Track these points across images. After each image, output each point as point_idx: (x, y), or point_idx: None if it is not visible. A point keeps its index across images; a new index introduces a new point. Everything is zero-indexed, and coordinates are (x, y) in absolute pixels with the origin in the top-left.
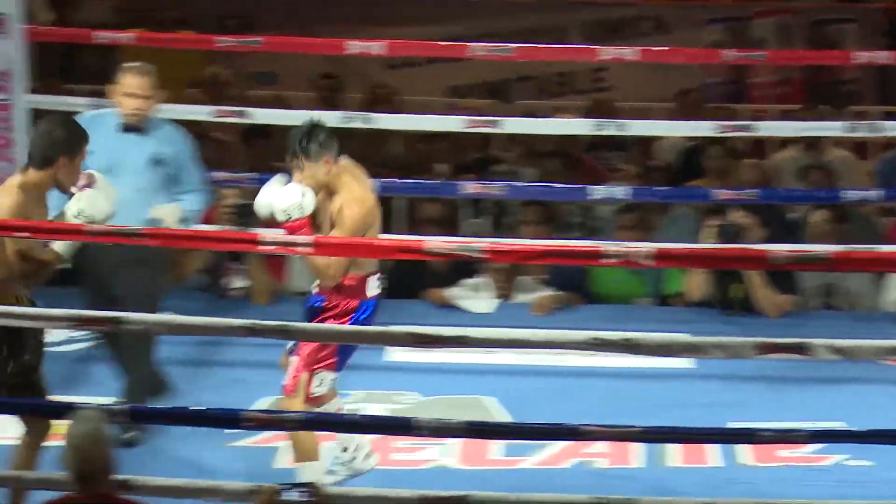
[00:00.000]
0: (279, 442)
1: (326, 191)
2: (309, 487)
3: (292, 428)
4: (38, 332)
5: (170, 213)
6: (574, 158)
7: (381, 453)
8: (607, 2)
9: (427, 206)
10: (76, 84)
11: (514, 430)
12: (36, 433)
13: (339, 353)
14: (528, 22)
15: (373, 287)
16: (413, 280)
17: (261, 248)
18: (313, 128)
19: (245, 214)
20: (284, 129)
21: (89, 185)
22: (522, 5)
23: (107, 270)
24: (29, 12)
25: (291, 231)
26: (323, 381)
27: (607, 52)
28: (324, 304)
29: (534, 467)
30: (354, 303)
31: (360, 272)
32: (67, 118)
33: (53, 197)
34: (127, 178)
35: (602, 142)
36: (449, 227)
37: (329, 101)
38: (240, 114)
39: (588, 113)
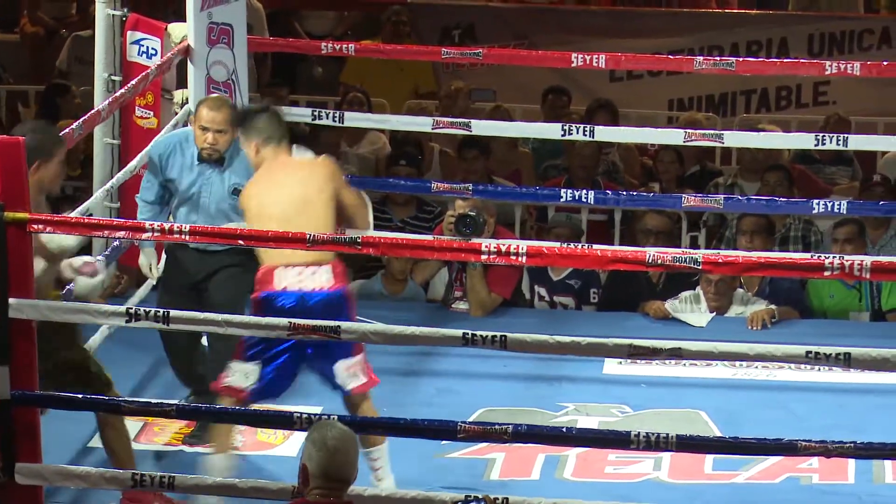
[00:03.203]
0: (490, 454)
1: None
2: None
3: (506, 440)
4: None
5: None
6: (796, 171)
7: (595, 466)
8: (831, 15)
9: (648, 217)
10: (299, 94)
11: (731, 445)
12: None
13: (251, 342)
14: (751, 35)
15: (287, 278)
16: (632, 292)
17: (482, 257)
18: (257, 109)
19: (466, 225)
20: (504, 141)
21: (92, 275)
22: (745, 18)
23: (201, 279)
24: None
25: None
26: (233, 372)
27: (833, 67)
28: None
29: (746, 482)
30: (254, 295)
31: (269, 263)
32: (39, 125)
33: None
34: (209, 208)
35: (823, 156)
36: (667, 239)
37: (555, 114)
38: (463, 125)
39: (817, 127)
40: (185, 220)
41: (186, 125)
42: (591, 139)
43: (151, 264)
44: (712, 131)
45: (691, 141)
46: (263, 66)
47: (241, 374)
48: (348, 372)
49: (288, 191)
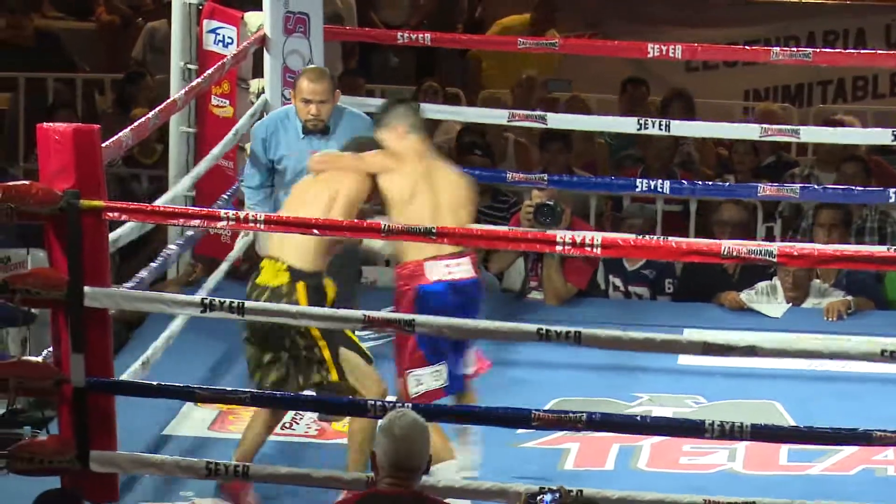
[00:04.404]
0: (565, 444)
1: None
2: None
3: (580, 428)
4: None
5: None
6: (872, 162)
7: (669, 457)
8: None
9: (724, 209)
10: (375, 84)
11: (805, 435)
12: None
13: (423, 345)
14: (828, 25)
15: (438, 271)
16: (707, 282)
17: (557, 248)
18: (393, 101)
19: (544, 214)
20: (580, 133)
21: None
22: (822, 7)
23: None
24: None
25: None
26: (420, 380)
27: None
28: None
29: (821, 473)
30: (407, 288)
31: (416, 257)
32: None
33: None
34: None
35: None
36: (743, 230)
37: (632, 105)
38: (539, 118)
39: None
40: None
41: (263, 115)
42: (666, 133)
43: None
44: (788, 126)
45: (768, 136)
46: (352, 56)
47: (430, 377)
48: (471, 359)
49: (442, 193)
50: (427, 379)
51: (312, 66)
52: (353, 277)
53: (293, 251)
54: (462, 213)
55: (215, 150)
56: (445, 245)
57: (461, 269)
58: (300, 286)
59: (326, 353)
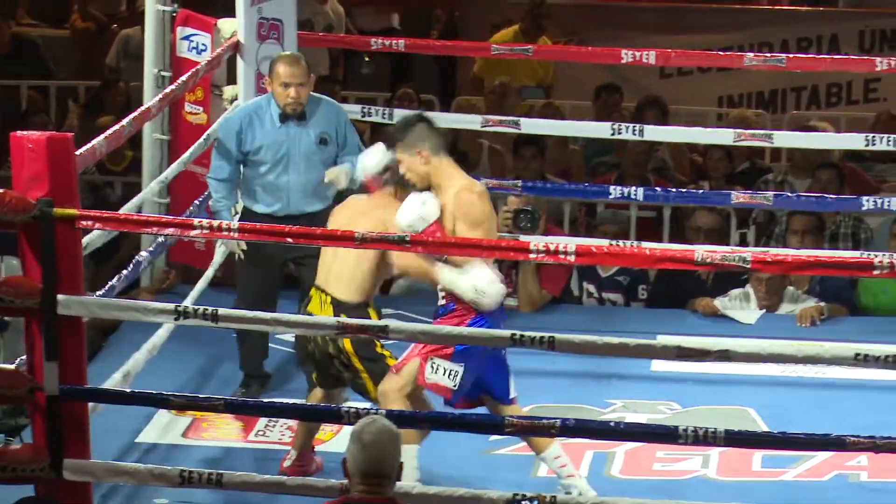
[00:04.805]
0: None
1: (435, 188)
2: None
3: (554, 434)
4: None
5: (342, 173)
6: (846, 169)
7: (643, 463)
8: (882, 11)
9: (698, 215)
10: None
11: (779, 441)
12: None
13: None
14: (802, 31)
15: None
16: (680, 289)
17: (531, 256)
18: (413, 118)
19: (523, 220)
20: (554, 139)
21: None
22: (796, 14)
23: (297, 256)
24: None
25: None
26: (438, 368)
27: (883, 63)
28: (450, 312)
29: (794, 479)
30: (472, 314)
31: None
32: None
33: None
34: (299, 165)
35: (873, 153)
36: (717, 236)
37: (607, 112)
38: (512, 123)
39: (868, 124)
40: (275, 183)
41: None
42: (640, 138)
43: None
44: (762, 131)
45: (741, 141)
46: (338, 65)
47: (445, 373)
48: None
49: None
50: (442, 372)
51: (287, 52)
52: None
53: (337, 283)
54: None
55: (185, 156)
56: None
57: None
58: None
59: (370, 386)
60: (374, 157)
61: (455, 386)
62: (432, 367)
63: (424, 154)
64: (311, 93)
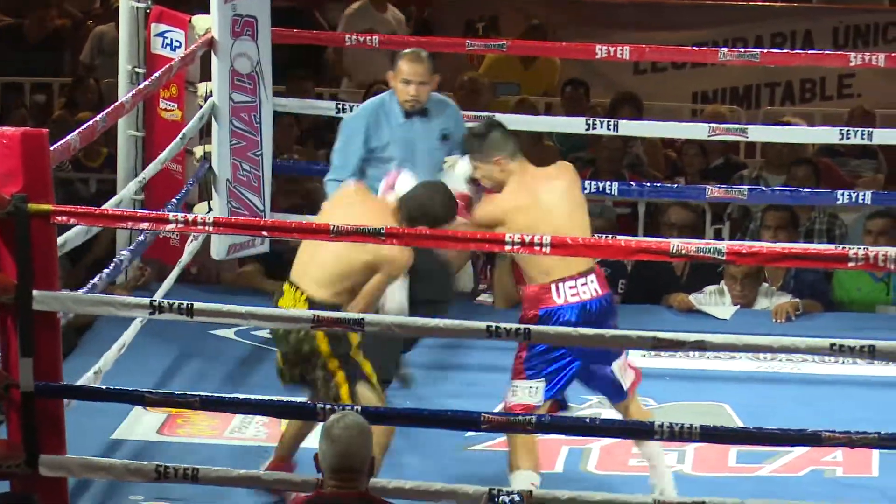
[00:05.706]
0: None
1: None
2: (523, 494)
3: (529, 431)
4: None
5: (461, 161)
6: (821, 164)
7: (619, 459)
8: (856, 8)
9: (672, 211)
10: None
11: (754, 436)
12: None
13: (527, 361)
14: (776, 27)
15: (565, 293)
16: (655, 284)
17: (506, 248)
18: (486, 126)
19: None
20: (529, 135)
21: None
22: (770, 10)
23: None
24: None
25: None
26: (516, 392)
27: (857, 59)
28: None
29: (770, 475)
30: (532, 312)
31: (543, 280)
32: None
33: None
34: (424, 160)
35: (847, 149)
36: (692, 232)
37: (574, 106)
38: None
39: (842, 120)
40: None
41: (211, 118)
42: (614, 133)
43: None
44: (737, 125)
45: (716, 136)
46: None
47: (526, 392)
48: (622, 370)
49: (556, 207)
50: (522, 392)
51: (412, 49)
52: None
53: (312, 281)
54: (579, 215)
55: (163, 155)
56: (572, 264)
57: (588, 288)
58: (320, 334)
59: (344, 391)
60: (465, 166)
61: (540, 402)
62: (512, 391)
63: (501, 161)
64: (436, 93)
